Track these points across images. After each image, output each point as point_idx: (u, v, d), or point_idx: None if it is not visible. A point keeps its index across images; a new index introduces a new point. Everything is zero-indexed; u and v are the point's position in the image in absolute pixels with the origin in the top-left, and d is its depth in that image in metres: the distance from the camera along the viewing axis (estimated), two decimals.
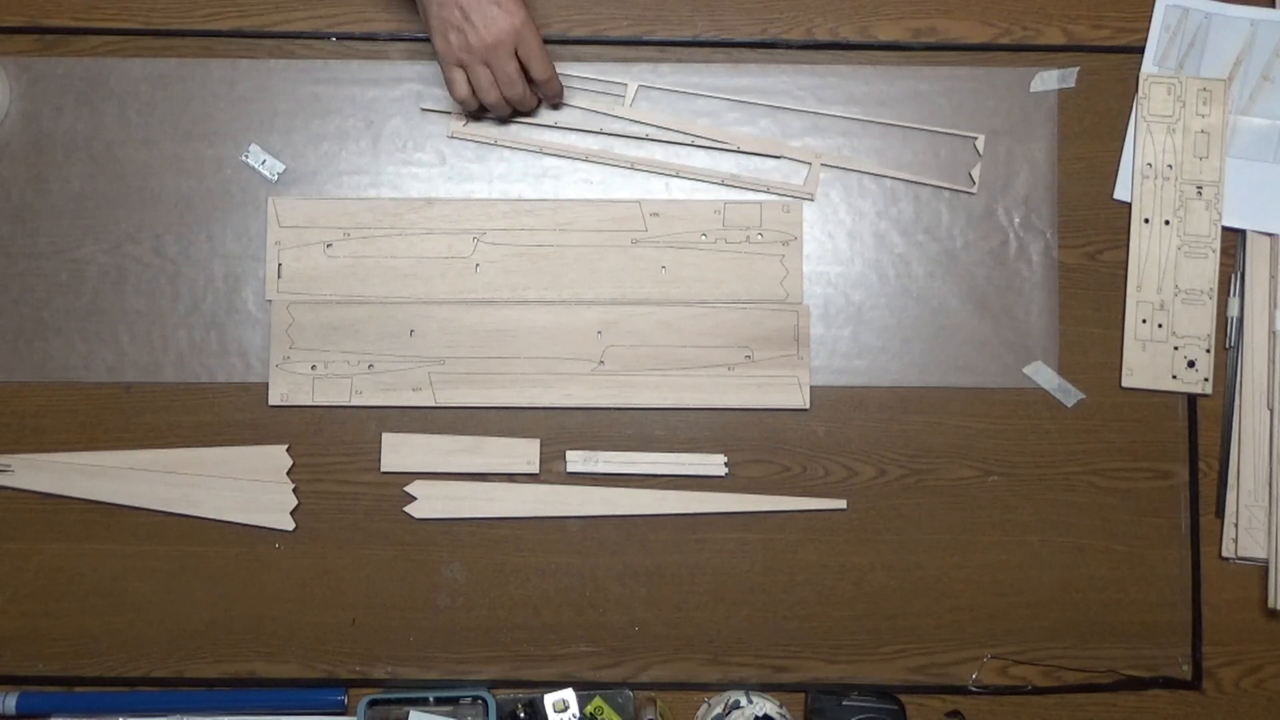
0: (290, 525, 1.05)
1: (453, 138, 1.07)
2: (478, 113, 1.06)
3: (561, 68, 1.06)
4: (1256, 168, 1.08)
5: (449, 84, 1.00)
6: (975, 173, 1.07)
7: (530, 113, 1.07)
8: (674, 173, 1.07)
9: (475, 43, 0.97)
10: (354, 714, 1.02)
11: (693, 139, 1.07)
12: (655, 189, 1.08)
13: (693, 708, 1.05)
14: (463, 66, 0.99)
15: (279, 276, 1.06)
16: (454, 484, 1.05)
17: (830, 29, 1.08)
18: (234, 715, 1.03)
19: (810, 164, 1.07)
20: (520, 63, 0.99)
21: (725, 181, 1.07)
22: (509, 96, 1.01)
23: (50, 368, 1.06)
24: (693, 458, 1.06)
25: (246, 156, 1.07)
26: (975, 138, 1.07)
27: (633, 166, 1.07)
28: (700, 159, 1.08)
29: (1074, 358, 1.07)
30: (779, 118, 1.08)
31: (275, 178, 1.07)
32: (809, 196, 1.07)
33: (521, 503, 1.05)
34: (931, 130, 1.08)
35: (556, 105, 1.07)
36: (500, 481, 1.06)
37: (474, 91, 1.00)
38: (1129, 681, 1.06)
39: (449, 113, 1.08)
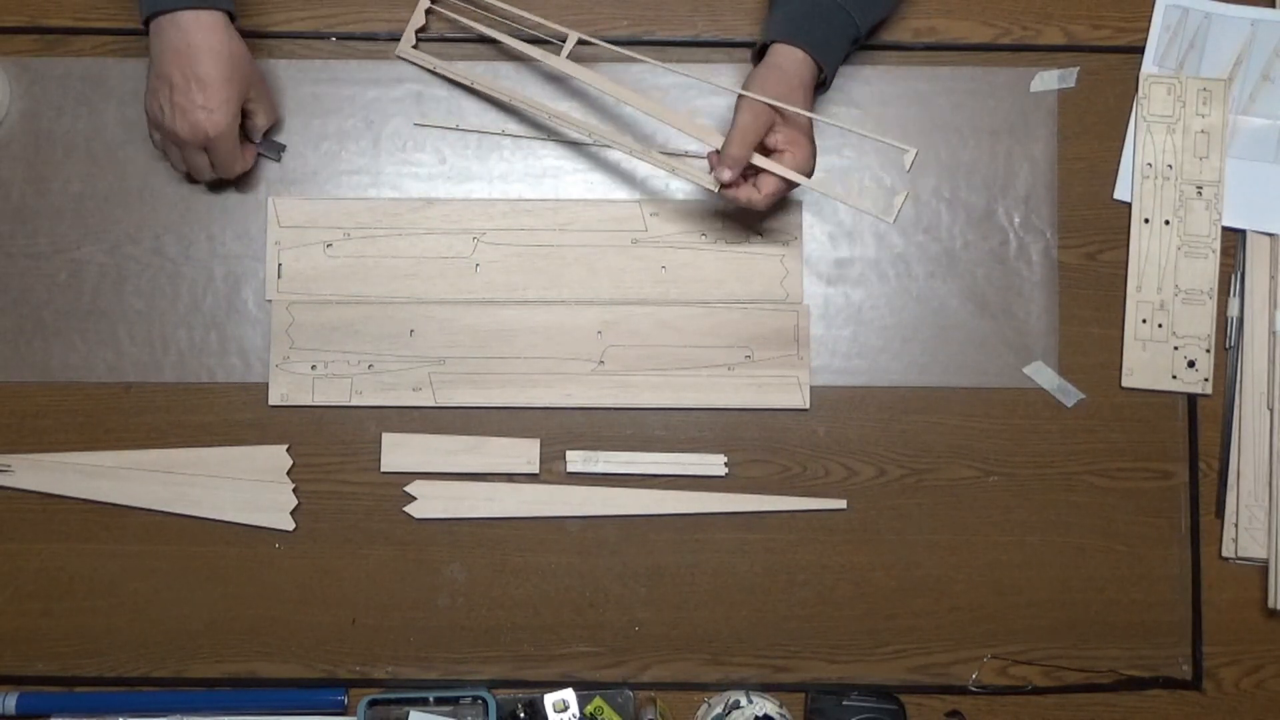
0: (290, 525, 1.05)
1: (416, 124, 1.08)
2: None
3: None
4: (1256, 168, 1.08)
5: (149, 129, 1.00)
6: (898, 201, 0.99)
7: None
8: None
9: (169, 130, 0.97)
10: (354, 714, 1.02)
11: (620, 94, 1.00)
12: (656, 189, 1.08)
13: (693, 708, 1.05)
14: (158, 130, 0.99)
15: (279, 276, 1.06)
16: (454, 484, 1.05)
17: None
18: (234, 715, 1.03)
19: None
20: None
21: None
22: (191, 174, 1.01)
23: (50, 368, 1.06)
24: (693, 458, 1.06)
25: None
26: (907, 151, 0.96)
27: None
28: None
29: (1074, 358, 1.07)
30: None
31: (279, 159, 1.06)
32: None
33: (521, 503, 1.05)
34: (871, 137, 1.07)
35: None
36: (500, 481, 1.06)
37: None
38: (1129, 681, 1.06)
39: (445, 127, 1.07)
